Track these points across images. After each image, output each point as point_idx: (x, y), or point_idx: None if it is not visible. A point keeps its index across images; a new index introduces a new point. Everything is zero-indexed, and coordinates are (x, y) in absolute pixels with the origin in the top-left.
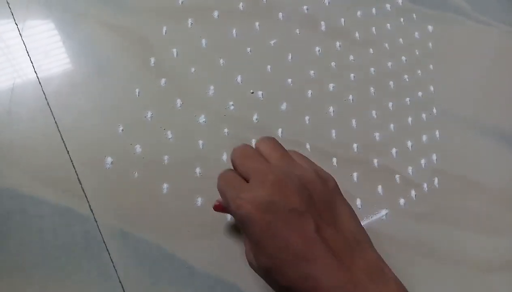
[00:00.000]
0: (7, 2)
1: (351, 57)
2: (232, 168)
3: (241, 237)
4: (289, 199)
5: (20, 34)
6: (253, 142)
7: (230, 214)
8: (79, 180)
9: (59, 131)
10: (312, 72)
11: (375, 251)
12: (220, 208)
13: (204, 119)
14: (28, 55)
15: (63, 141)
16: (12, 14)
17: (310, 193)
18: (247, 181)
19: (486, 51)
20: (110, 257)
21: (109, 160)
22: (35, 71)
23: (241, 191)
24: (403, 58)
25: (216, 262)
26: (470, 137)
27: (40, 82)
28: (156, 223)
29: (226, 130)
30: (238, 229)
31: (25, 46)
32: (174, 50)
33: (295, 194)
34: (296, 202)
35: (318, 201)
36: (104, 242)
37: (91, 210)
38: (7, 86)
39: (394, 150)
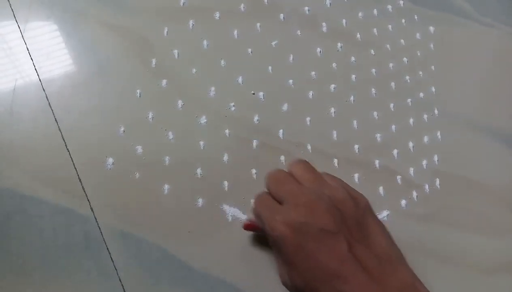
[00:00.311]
0: (9, 4)
1: (353, 58)
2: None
3: (243, 238)
4: (320, 219)
5: (22, 34)
6: (254, 144)
7: (264, 235)
8: (80, 180)
9: (60, 131)
10: (313, 73)
11: (408, 269)
12: (250, 227)
13: (205, 120)
14: (30, 55)
15: (64, 142)
16: (14, 15)
17: (342, 213)
18: (281, 203)
19: (488, 52)
20: (111, 257)
21: (110, 160)
22: (37, 72)
23: (276, 213)
24: (405, 59)
25: (216, 263)
26: (471, 138)
27: (41, 83)
28: (156, 224)
29: (227, 131)
30: (265, 243)
31: (27, 47)
32: (175, 51)
33: (327, 214)
34: (328, 222)
35: (349, 220)
36: (104, 242)
37: (92, 210)
38: (9, 86)
39: (395, 151)
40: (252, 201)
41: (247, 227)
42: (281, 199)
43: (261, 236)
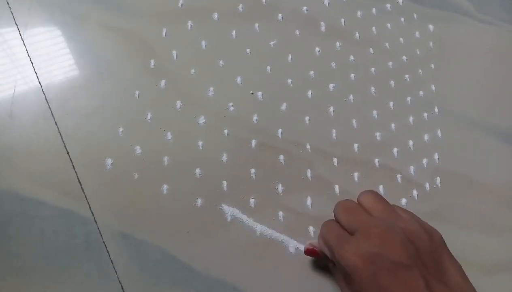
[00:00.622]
0: (9, 7)
1: (352, 57)
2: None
3: (243, 238)
4: (394, 251)
5: (21, 38)
6: (253, 143)
7: (326, 262)
8: (79, 182)
9: (60, 132)
10: (312, 72)
11: None
12: (313, 252)
13: (204, 120)
14: (29, 57)
15: (64, 143)
16: (14, 19)
17: (416, 246)
18: (351, 234)
19: (488, 50)
20: (110, 259)
21: (109, 161)
22: (36, 74)
23: (346, 242)
24: (404, 57)
25: (216, 263)
26: (472, 136)
27: (41, 85)
28: (156, 224)
29: (226, 131)
30: (328, 269)
31: (27, 49)
32: (174, 52)
33: (401, 247)
34: (402, 254)
35: (424, 254)
36: (104, 243)
37: (91, 211)
38: (9, 88)
39: (395, 150)
40: (252, 200)
41: (309, 252)
42: (352, 229)
43: (321, 262)
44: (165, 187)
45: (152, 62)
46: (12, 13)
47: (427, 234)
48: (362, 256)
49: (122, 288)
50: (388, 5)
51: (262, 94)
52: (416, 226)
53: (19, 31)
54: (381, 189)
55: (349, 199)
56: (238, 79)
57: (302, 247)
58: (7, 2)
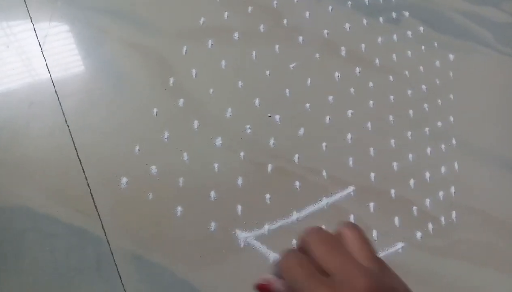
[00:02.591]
0: (30, 16)
1: (371, 84)
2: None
3: (254, 265)
4: None
5: (41, 48)
6: (269, 168)
7: None
8: (93, 200)
9: (76, 148)
10: (330, 97)
11: None
12: (266, 289)
13: (220, 142)
14: (48, 70)
15: (79, 159)
16: (34, 28)
17: None
18: (323, 272)
19: (508, 82)
20: (121, 281)
21: (124, 180)
22: (54, 87)
23: (323, 284)
24: (423, 86)
25: (227, 290)
26: (489, 170)
27: (58, 97)
28: (168, 247)
29: (242, 154)
30: None
31: (45, 61)
32: (194, 70)
33: None
34: None
35: None
36: (116, 264)
37: (104, 231)
38: (26, 99)
39: (412, 181)
40: (266, 226)
41: (261, 288)
42: (330, 271)
43: None
44: (179, 208)
45: (171, 80)
46: (32, 23)
47: None
48: None
49: None
50: (409, 32)
51: (280, 118)
52: (402, 285)
53: (38, 42)
54: (396, 221)
55: (325, 230)
56: (257, 101)
57: None
58: (28, 12)
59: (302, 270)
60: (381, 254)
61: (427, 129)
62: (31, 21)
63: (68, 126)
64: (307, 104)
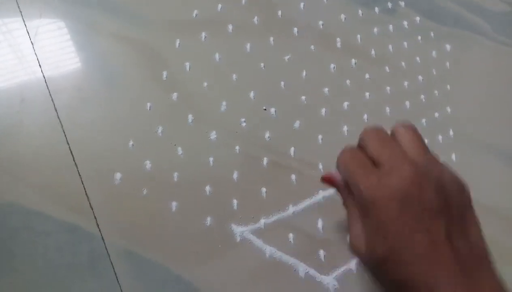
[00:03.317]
0: (20, 11)
1: (367, 75)
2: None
3: (251, 260)
4: (425, 196)
5: (32, 44)
6: (265, 161)
7: (343, 193)
8: (87, 196)
9: (68, 144)
10: (326, 89)
11: (497, 273)
12: (330, 180)
13: (215, 136)
14: (40, 66)
15: (72, 155)
16: (25, 24)
17: (446, 197)
18: (376, 165)
19: (505, 72)
20: (117, 278)
21: (118, 175)
22: (46, 83)
23: (372, 173)
24: (420, 77)
25: (224, 286)
26: (487, 161)
27: (50, 92)
28: (163, 243)
29: (237, 147)
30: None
31: (37, 57)
32: (187, 64)
33: (432, 193)
34: (432, 201)
35: (453, 206)
36: (110, 261)
37: (98, 228)
38: (17, 96)
39: None
40: (262, 220)
41: (326, 179)
42: (380, 161)
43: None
44: (174, 204)
45: (165, 73)
46: (22, 18)
47: (458, 187)
48: (389, 191)
49: None
50: (405, 22)
51: (275, 111)
52: (451, 177)
53: (29, 37)
54: None
55: (380, 127)
56: (251, 94)
57: (312, 272)
58: (18, 7)
59: (354, 161)
60: None
61: (424, 120)
62: (22, 17)
63: (60, 122)
64: (303, 97)
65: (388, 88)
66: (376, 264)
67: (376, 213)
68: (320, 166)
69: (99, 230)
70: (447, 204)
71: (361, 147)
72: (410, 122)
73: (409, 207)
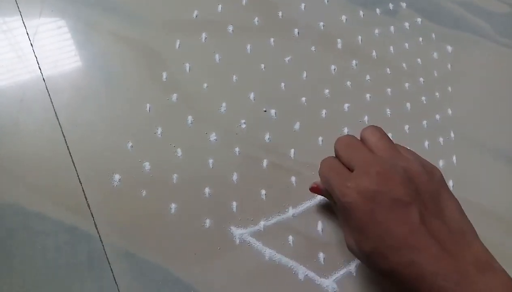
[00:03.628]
0: (19, 11)
1: (368, 77)
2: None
3: (250, 262)
4: (394, 189)
5: (31, 44)
6: (265, 163)
7: (330, 199)
8: (85, 197)
9: (67, 144)
10: (327, 91)
11: (481, 243)
12: (317, 190)
13: (215, 137)
14: (39, 66)
15: (71, 156)
16: (24, 23)
17: (416, 186)
18: (350, 170)
19: (507, 73)
20: (115, 279)
21: (116, 177)
22: (45, 83)
23: (346, 179)
24: (421, 79)
25: (221, 287)
26: (488, 163)
27: (48, 92)
28: (162, 244)
29: (237, 149)
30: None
31: (36, 56)
32: (187, 64)
33: (400, 185)
34: (401, 192)
35: (423, 192)
36: (109, 262)
37: (97, 228)
38: (16, 95)
39: None
40: (262, 222)
41: (313, 190)
42: (352, 166)
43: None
44: (173, 205)
45: (164, 74)
46: (22, 17)
47: (427, 175)
48: (361, 192)
49: None
50: (407, 24)
51: (275, 112)
52: (417, 166)
53: (28, 37)
54: None
55: (350, 135)
56: (251, 96)
57: (311, 274)
58: (17, 6)
59: (332, 171)
60: None
61: (424, 122)
62: (21, 16)
63: (59, 122)
64: (303, 98)
65: (389, 89)
66: (368, 259)
67: (355, 216)
68: None
69: (98, 231)
70: (418, 192)
71: (337, 156)
72: (371, 125)
73: (381, 203)
